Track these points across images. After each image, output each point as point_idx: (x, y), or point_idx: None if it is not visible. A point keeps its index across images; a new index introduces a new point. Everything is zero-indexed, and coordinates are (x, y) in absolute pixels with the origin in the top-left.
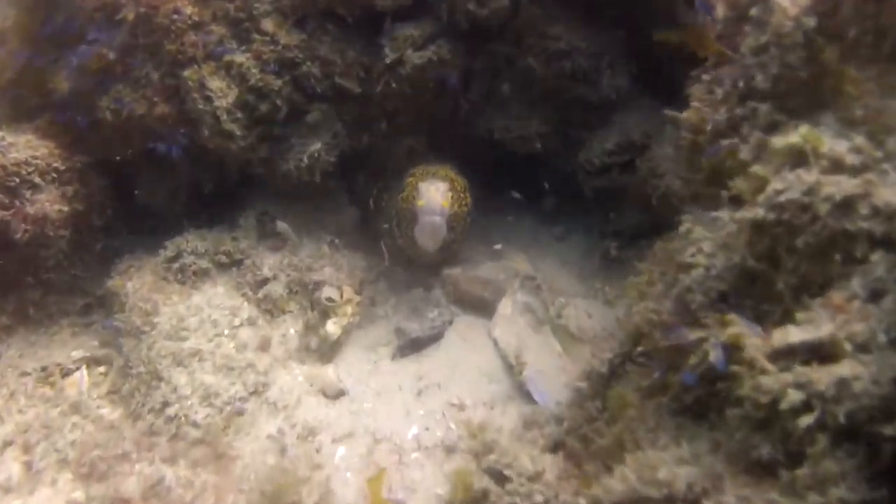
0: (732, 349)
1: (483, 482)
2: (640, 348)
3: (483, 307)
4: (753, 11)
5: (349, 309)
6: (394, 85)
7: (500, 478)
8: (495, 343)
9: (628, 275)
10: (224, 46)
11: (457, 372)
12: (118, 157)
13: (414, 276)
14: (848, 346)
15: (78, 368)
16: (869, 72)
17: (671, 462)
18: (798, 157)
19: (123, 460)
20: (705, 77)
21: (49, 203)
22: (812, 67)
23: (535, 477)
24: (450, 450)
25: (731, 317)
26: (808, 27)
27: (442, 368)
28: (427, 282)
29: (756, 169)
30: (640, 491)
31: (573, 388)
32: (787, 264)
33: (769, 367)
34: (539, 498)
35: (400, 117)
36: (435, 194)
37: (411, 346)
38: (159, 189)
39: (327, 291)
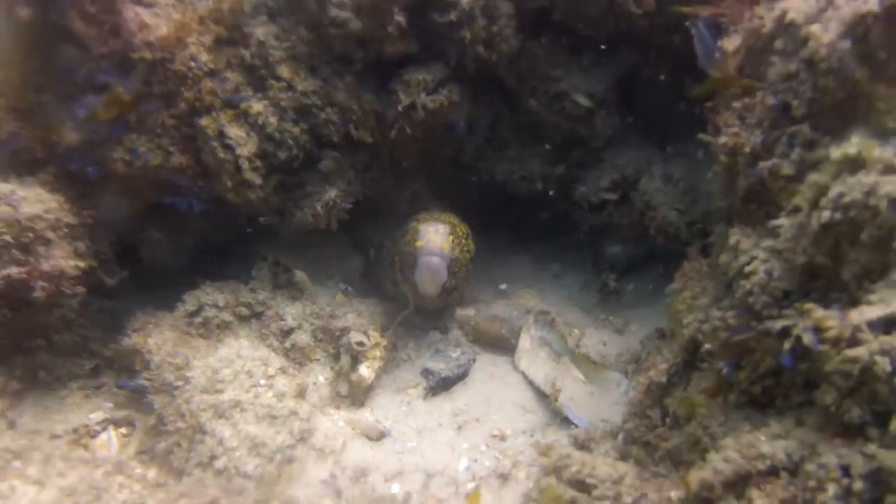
0: (818, 331)
1: (569, 493)
2: (702, 351)
3: (501, 344)
4: (779, 44)
5: (378, 353)
6: (408, 130)
7: (583, 487)
8: (524, 375)
9: (626, 304)
10: (241, 94)
11: (491, 406)
12: (127, 212)
13: (428, 320)
14: None
15: (104, 429)
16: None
17: (766, 439)
18: (853, 164)
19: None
20: (736, 105)
21: (63, 259)
22: (847, 88)
23: (619, 480)
24: (504, 477)
25: (810, 305)
26: (844, 51)
27: (476, 403)
28: (441, 324)
29: (815, 178)
30: (746, 466)
31: (629, 402)
32: (851, 256)
33: (866, 336)
34: (628, 499)
35: (406, 162)
36: (435, 236)
37: (441, 386)
38: (166, 244)
39: (355, 336)
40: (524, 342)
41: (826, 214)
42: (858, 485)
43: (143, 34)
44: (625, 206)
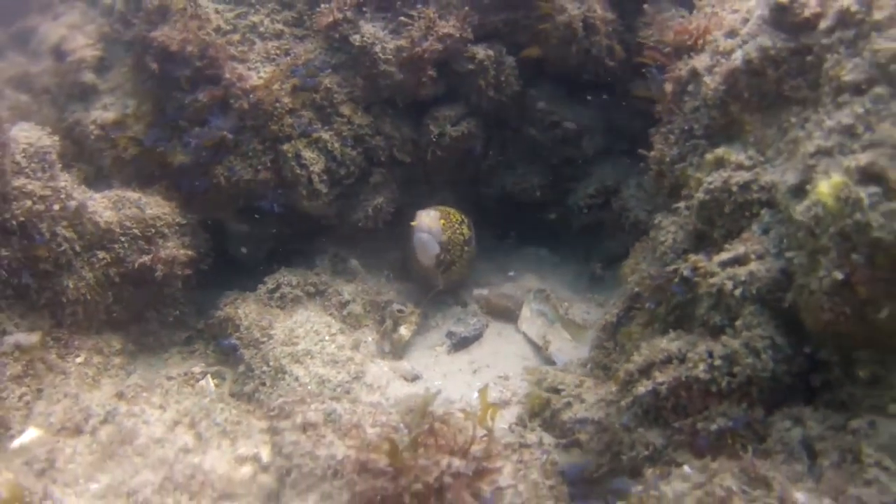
0: (695, 270)
1: (545, 395)
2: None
3: (508, 314)
4: (690, 87)
5: (413, 318)
6: (438, 153)
7: (556, 391)
8: (524, 335)
9: (608, 286)
10: (312, 126)
11: (498, 357)
12: (222, 214)
13: (451, 297)
14: (753, 256)
15: (203, 377)
16: (755, 115)
17: (666, 342)
18: (718, 164)
19: (301, 403)
20: (662, 129)
21: (175, 249)
22: (727, 117)
23: (580, 384)
24: (506, 403)
25: (692, 255)
26: (719, 92)
27: (487, 356)
28: (462, 300)
29: (698, 174)
30: (652, 358)
31: (593, 337)
32: (719, 223)
33: (716, 269)
34: (586, 396)
35: (436, 177)
36: (425, 218)
37: (461, 344)
38: (249, 240)
39: (396, 306)
40: (525, 312)
41: (701, 196)
42: (718, 362)
43: (241, 83)
44: (607, 209)
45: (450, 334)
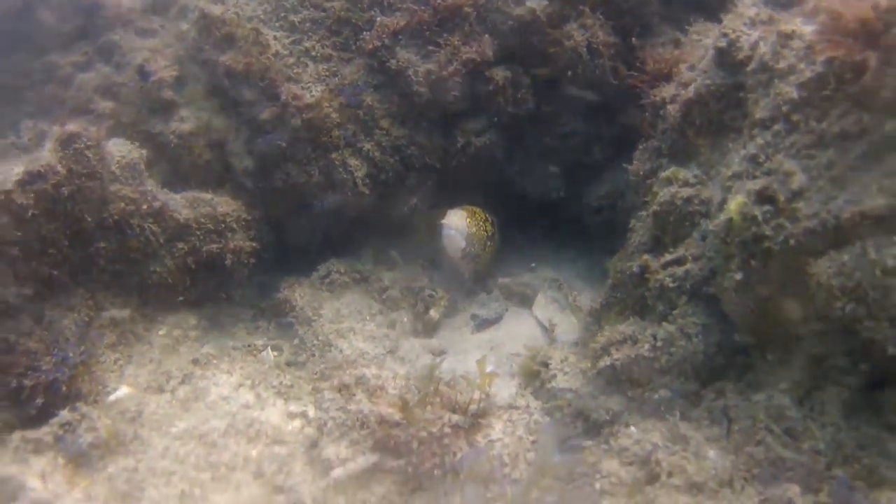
0: (644, 268)
1: (535, 367)
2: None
3: (526, 300)
4: (661, 111)
5: (443, 302)
6: (463, 160)
7: (545, 365)
8: (536, 318)
9: None
10: (357, 138)
11: (514, 337)
12: (281, 212)
13: (477, 285)
14: (690, 258)
15: (264, 349)
16: (706, 140)
17: (625, 326)
18: (670, 180)
19: (338, 368)
20: (641, 147)
21: (242, 241)
22: (684, 140)
23: (564, 360)
24: (512, 375)
25: (645, 256)
26: (678, 118)
27: (504, 336)
28: (487, 288)
29: (655, 188)
30: (613, 338)
31: (582, 321)
32: (669, 229)
33: (659, 268)
34: (568, 369)
35: (464, 181)
36: (452, 216)
37: (483, 325)
38: (303, 234)
39: (428, 291)
40: (540, 299)
41: (655, 208)
42: (659, 344)
43: (296, 102)
44: (615, 210)
45: (473, 316)
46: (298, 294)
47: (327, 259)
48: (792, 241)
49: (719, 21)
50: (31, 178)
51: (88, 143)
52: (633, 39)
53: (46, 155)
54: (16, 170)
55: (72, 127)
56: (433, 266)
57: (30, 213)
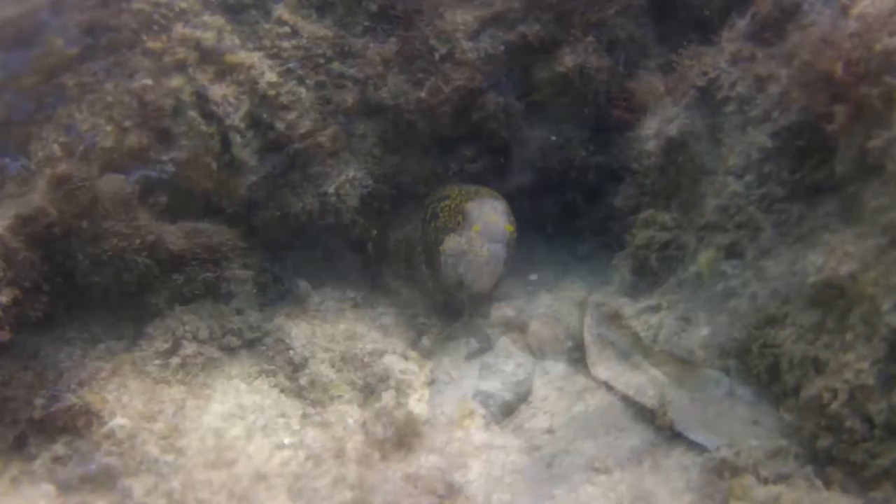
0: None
1: None
2: None
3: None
4: (646, 147)
5: (435, 330)
6: None
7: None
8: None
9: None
10: (350, 166)
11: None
12: (278, 238)
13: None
14: (665, 305)
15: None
16: (688, 180)
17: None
18: (647, 224)
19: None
20: (627, 181)
21: (238, 270)
22: (666, 179)
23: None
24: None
25: (622, 299)
26: (660, 156)
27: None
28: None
29: (634, 231)
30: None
31: None
32: (648, 273)
33: (632, 316)
34: (549, 408)
35: None
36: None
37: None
38: (301, 258)
39: (421, 319)
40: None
41: (632, 250)
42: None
43: (290, 131)
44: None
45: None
46: (293, 322)
47: (323, 285)
48: (759, 300)
49: (714, 43)
50: (22, 223)
51: (80, 183)
52: (619, 67)
53: (37, 198)
54: (7, 213)
55: (63, 167)
56: (428, 294)
57: (21, 256)
